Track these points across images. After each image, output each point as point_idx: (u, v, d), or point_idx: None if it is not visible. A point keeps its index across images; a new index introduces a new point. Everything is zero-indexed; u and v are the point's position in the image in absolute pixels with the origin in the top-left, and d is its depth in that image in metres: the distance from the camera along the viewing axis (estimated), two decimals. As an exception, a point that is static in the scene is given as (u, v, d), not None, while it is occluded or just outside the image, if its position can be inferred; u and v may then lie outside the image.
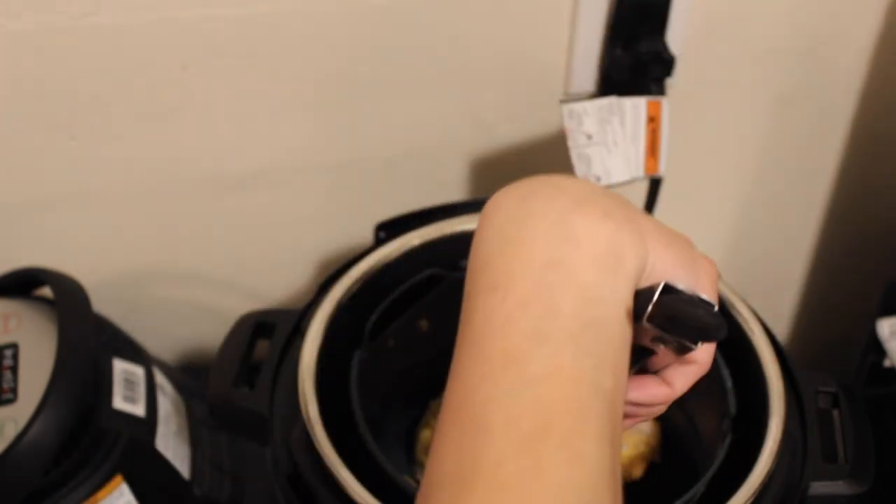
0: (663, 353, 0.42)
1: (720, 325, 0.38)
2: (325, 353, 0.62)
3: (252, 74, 0.75)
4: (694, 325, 0.38)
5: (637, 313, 0.39)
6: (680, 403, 0.70)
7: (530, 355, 0.36)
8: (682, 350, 0.40)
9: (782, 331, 1.14)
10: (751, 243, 1.04)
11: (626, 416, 0.44)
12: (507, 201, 0.40)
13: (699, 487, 0.57)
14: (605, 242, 0.38)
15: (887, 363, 0.85)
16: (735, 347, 0.64)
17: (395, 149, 0.83)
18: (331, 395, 0.60)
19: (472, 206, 0.73)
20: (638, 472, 0.69)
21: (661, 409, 0.45)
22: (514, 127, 0.85)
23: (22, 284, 0.75)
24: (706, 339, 0.39)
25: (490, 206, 0.41)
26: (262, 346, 0.66)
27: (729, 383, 0.64)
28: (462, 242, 0.71)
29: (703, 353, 0.43)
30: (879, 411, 0.82)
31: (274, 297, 0.90)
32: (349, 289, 0.66)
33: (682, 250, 0.42)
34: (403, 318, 0.68)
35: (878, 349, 0.85)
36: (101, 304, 0.76)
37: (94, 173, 0.77)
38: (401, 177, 0.85)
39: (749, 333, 0.64)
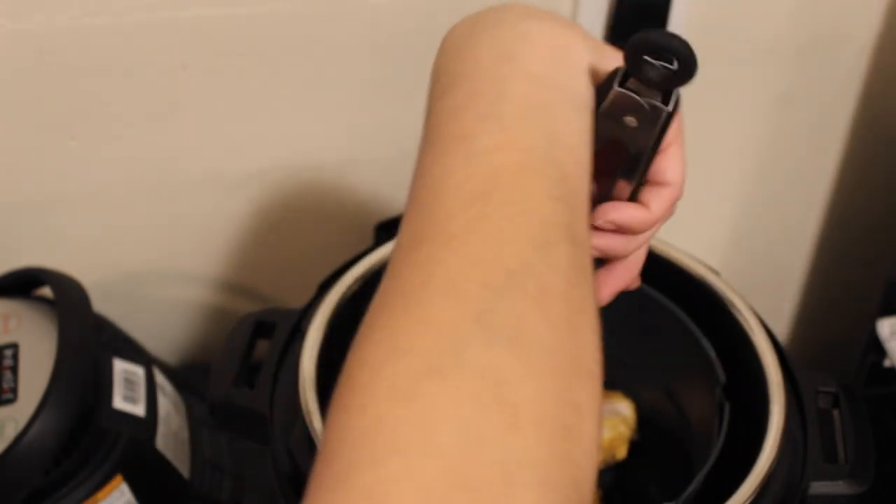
0: (621, 187, 0.42)
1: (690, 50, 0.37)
2: (326, 352, 0.62)
3: (252, 74, 0.75)
4: (671, 49, 0.37)
5: (609, 80, 0.39)
6: (662, 382, 0.71)
7: (479, 132, 0.37)
8: (655, 112, 0.39)
9: (782, 331, 1.13)
10: (751, 243, 1.04)
11: (607, 254, 0.44)
12: (460, 23, 0.42)
13: (695, 485, 0.57)
14: (555, 38, 0.39)
15: (887, 363, 0.85)
16: (735, 347, 0.64)
17: (396, 149, 0.83)
18: (330, 394, 0.60)
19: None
20: (622, 452, 0.69)
21: (640, 242, 0.44)
22: (514, 127, 0.85)
23: (22, 284, 0.75)
24: (687, 63, 0.37)
25: (447, 33, 0.42)
26: (262, 346, 0.66)
27: (713, 353, 0.64)
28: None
29: (675, 173, 0.44)
30: (879, 411, 0.82)
31: (274, 297, 0.90)
32: (349, 288, 0.66)
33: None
34: None
35: (878, 349, 0.85)
36: (101, 304, 0.76)
37: (94, 173, 0.77)
38: (401, 177, 0.85)
39: (749, 333, 0.64)
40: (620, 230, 0.43)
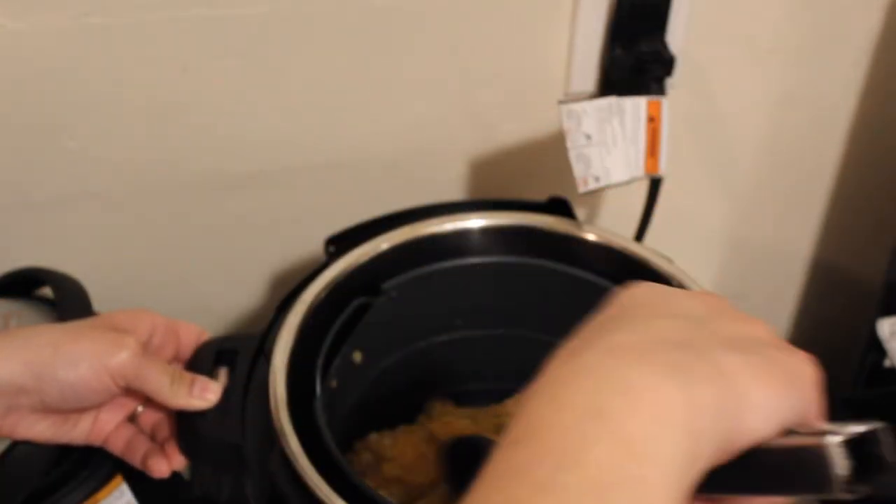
0: None
1: None
2: (291, 375, 0.61)
3: (252, 74, 0.75)
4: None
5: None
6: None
7: None
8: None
9: (782, 331, 1.14)
10: (751, 243, 1.04)
11: None
12: (555, 360, 0.34)
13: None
14: (671, 396, 0.31)
15: (887, 363, 0.85)
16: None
17: (396, 149, 0.83)
18: (301, 415, 0.59)
19: (438, 209, 0.74)
20: None
21: None
22: (514, 127, 0.85)
23: (22, 284, 0.75)
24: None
25: (541, 373, 0.34)
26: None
27: None
28: (428, 244, 0.71)
29: None
30: (879, 411, 0.82)
31: (276, 296, 0.90)
32: (309, 307, 0.65)
33: (784, 377, 0.34)
34: (340, 354, 0.67)
35: (878, 349, 0.85)
36: (101, 304, 0.76)
37: (94, 173, 0.77)
38: (401, 177, 0.85)
39: None
40: None
